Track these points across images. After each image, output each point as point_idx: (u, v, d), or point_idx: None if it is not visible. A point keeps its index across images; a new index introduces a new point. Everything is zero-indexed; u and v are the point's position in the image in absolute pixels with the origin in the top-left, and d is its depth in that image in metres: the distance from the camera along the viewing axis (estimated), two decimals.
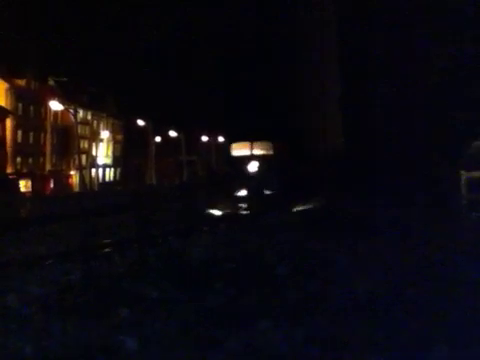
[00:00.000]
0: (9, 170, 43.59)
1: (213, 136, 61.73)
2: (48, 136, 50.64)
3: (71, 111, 47.58)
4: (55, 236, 12.73)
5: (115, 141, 61.90)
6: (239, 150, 21.62)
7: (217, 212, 17.34)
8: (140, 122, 53.66)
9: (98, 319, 4.82)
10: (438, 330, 4.13)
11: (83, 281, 6.45)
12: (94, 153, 56.09)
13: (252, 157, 20.89)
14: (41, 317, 4.93)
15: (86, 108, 55.29)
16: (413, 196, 11.38)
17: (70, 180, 52.39)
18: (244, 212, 17.84)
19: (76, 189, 49.02)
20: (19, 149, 46.31)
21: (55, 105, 46.08)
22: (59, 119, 51.71)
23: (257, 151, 21.25)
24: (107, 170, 59.97)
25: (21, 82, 47.39)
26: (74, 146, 47.86)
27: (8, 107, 45.34)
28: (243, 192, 19.98)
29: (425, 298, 5.02)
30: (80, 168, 45.63)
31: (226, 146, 26.83)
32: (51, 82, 52.25)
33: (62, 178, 51.05)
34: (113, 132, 60.72)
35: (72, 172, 52.52)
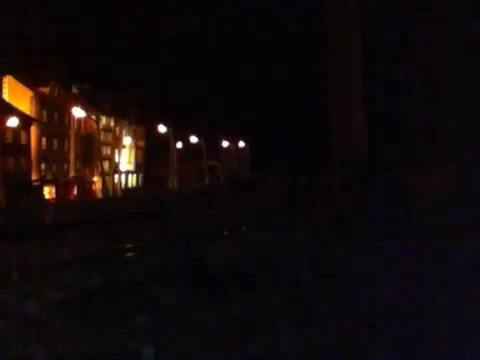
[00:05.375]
0: (34, 176, 44.30)
1: (234, 141, 61.79)
2: (72, 143, 51.34)
3: (94, 118, 48.22)
4: (78, 242, 12.77)
5: (137, 147, 62.44)
6: None
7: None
8: (162, 128, 54.03)
9: (117, 325, 4.75)
10: None
11: (104, 287, 6.41)
12: (117, 159, 56.67)
13: None
14: (59, 322, 4.88)
15: (109, 115, 55.94)
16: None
17: (93, 186, 52.98)
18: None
19: (99, 195, 49.53)
20: (43, 156, 47.05)
21: (78, 112, 46.80)
22: (82, 126, 52.41)
23: None
24: (130, 176, 60.50)
25: (45, 90, 48.19)
26: (97, 152, 48.44)
27: (32, 115, 46.14)
28: None
29: None
30: (103, 174, 46.16)
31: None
32: (74, 90, 53.04)
33: (85, 184, 51.65)
34: (135, 138, 61.27)
35: (95, 178, 53.12)
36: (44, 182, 43.01)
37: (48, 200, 38.97)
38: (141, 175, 62.28)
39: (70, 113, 48.72)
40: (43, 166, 46.82)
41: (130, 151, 60.71)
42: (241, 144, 63.16)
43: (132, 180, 60.89)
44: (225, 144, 61.92)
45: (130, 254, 10.58)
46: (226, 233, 13.16)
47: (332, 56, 11.61)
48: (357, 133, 11.39)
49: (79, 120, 51.06)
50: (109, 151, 55.50)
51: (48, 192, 42.84)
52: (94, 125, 48.11)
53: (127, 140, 58.35)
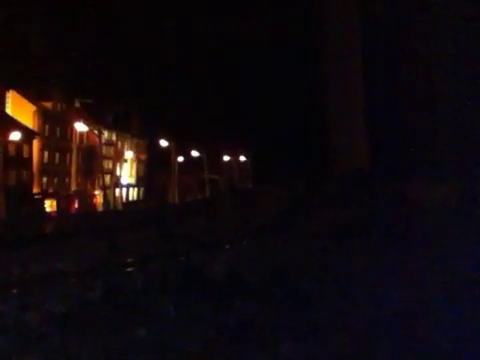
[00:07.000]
0: (35, 190, 44.34)
1: (235, 155, 61.91)
2: (73, 157, 51.45)
3: (96, 132, 48.38)
4: (79, 252, 12.76)
5: (139, 161, 62.52)
6: None
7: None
8: (163, 142, 54.14)
9: (116, 335, 4.72)
10: None
11: (103, 297, 6.37)
12: (118, 173, 56.72)
13: None
14: (59, 333, 4.85)
15: (111, 129, 56.12)
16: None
17: (94, 200, 52.96)
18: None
19: (100, 208, 49.49)
20: (45, 169, 47.14)
21: (80, 126, 46.97)
22: (84, 140, 52.57)
23: None
24: (131, 189, 60.50)
25: (48, 104, 48.46)
26: (99, 166, 48.50)
27: (35, 129, 46.32)
28: None
29: None
30: (104, 188, 46.16)
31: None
32: (77, 104, 53.34)
33: (86, 198, 51.65)
34: (137, 152, 61.38)
35: (96, 192, 53.13)
36: (46, 195, 43.04)
37: (49, 213, 38.95)
38: (142, 188, 62.23)
39: (72, 127, 48.89)
40: (45, 179, 46.86)
41: (132, 165, 60.75)
42: (242, 158, 63.30)
43: (133, 193, 60.84)
44: (226, 158, 62.00)
45: (131, 266, 10.55)
46: (227, 245, 13.13)
47: (332, 56, 11.69)
48: (357, 134, 11.45)
49: (81, 134, 51.19)
50: (111, 165, 55.52)
51: (49, 205, 42.82)
52: (96, 139, 48.24)
53: (129, 154, 58.42)
